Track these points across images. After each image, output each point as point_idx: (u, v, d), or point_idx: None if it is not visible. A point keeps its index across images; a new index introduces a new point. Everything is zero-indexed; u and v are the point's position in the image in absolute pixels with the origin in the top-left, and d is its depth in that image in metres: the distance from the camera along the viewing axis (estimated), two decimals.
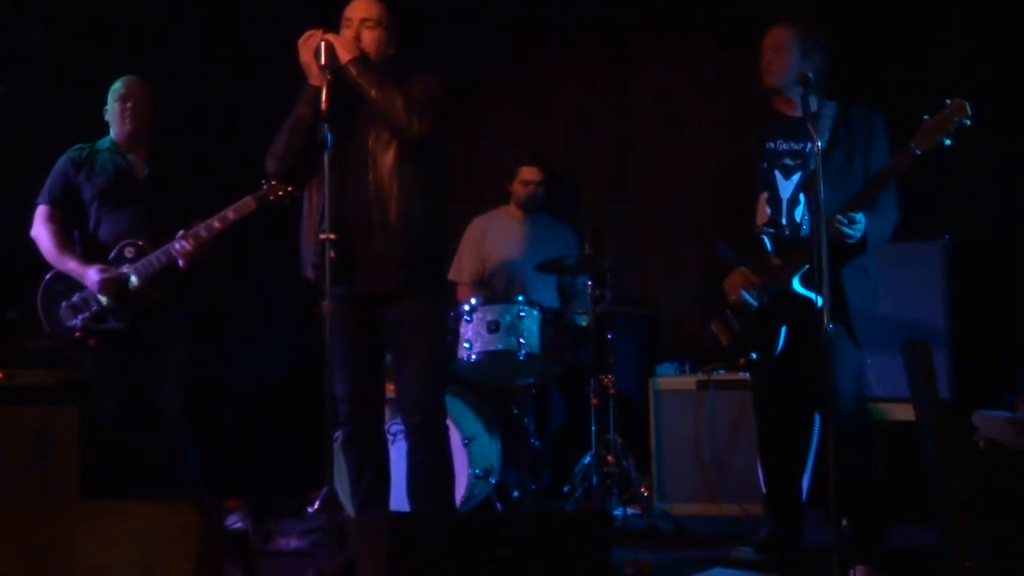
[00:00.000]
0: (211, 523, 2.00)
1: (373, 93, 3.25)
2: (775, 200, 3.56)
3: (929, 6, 4.76)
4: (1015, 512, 3.28)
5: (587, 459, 4.47)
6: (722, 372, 4.76)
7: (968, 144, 3.23)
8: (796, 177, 3.54)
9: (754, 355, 3.59)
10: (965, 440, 3.59)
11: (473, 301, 4.49)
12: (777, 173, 3.57)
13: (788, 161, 3.56)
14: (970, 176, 4.56)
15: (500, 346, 4.35)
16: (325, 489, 4.31)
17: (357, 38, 3.34)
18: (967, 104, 3.15)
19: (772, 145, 3.59)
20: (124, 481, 3.94)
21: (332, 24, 3.42)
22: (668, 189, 5.41)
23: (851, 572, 3.30)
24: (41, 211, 4.03)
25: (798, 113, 3.55)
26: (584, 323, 4.65)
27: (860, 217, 3.30)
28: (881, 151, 3.47)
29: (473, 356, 4.36)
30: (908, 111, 3.50)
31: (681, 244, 5.37)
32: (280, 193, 3.75)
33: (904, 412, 4.08)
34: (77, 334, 3.91)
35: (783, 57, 3.52)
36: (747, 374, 4.70)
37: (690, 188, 5.33)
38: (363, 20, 3.38)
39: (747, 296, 3.52)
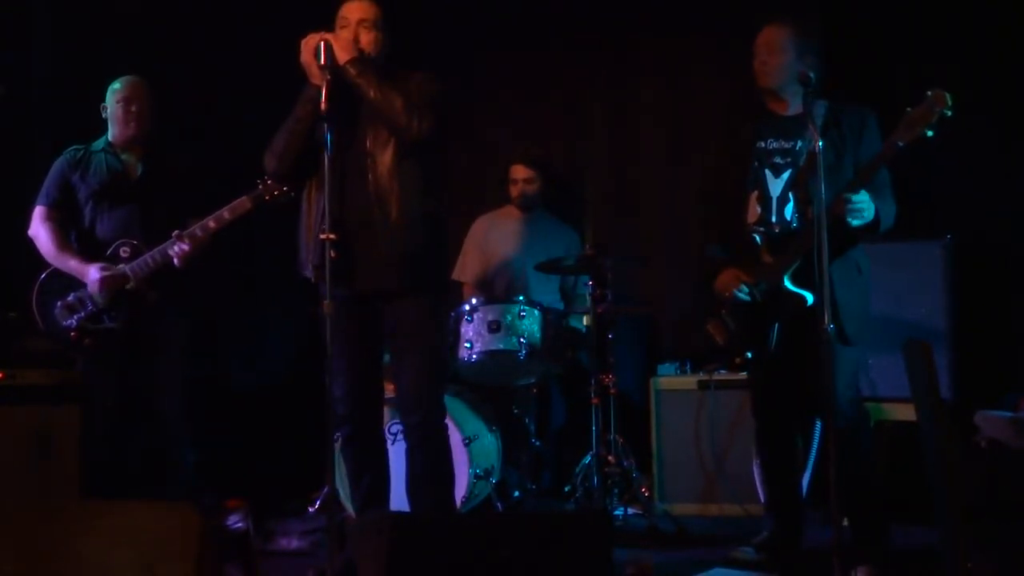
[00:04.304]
0: (211, 523, 2.00)
1: (372, 93, 3.25)
2: (765, 199, 3.56)
3: (929, 5, 4.76)
4: (1016, 512, 3.28)
5: (588, 459, 4.47)
6: (723, 372, 4.75)
7: (968, 144, 3.23)
8: (785, 175, 3.54)
9: (749, 354, 3.59)
10: (966, 440, 3.58)
11: (474, 301, 4.49)
12: (767, 172, 3.56)
13: (778, 160, 3.56)
14: (970, 176, 4.56)
15: (501, 346, 4.35)
16: (326, 489, 4.31)
17: (355, 39, 3.34)
18: (947, 95, 3.14)
19: (762, 144, 3.59)
20: (124, 481, 3.93)
21: (331, 24, 3.42)
22: (668, 189, 5.42)
23: (852, 573, 3.30)
24: (39, 211, 4.03)
25: (790, 112, 3.56)
26: (584, 323, 4.65)
27: (861, 196, 3.28)
28: (872, 148, 3.45)
29: (474, 356, 4.36)
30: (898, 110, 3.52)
31: (681, 244, 5.37)
32: (276, 193, 3.75)
33: (905, 412, 4.07)
34: (72, 334, 3.91)
35: (778, 57, 3.52)
36: (745, 374, 4.71)
37: (690, 188, 5.33)
38: (360, 21, 3.37)
39: (739, 293, 3.52)
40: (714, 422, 4.70)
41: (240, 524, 3.05)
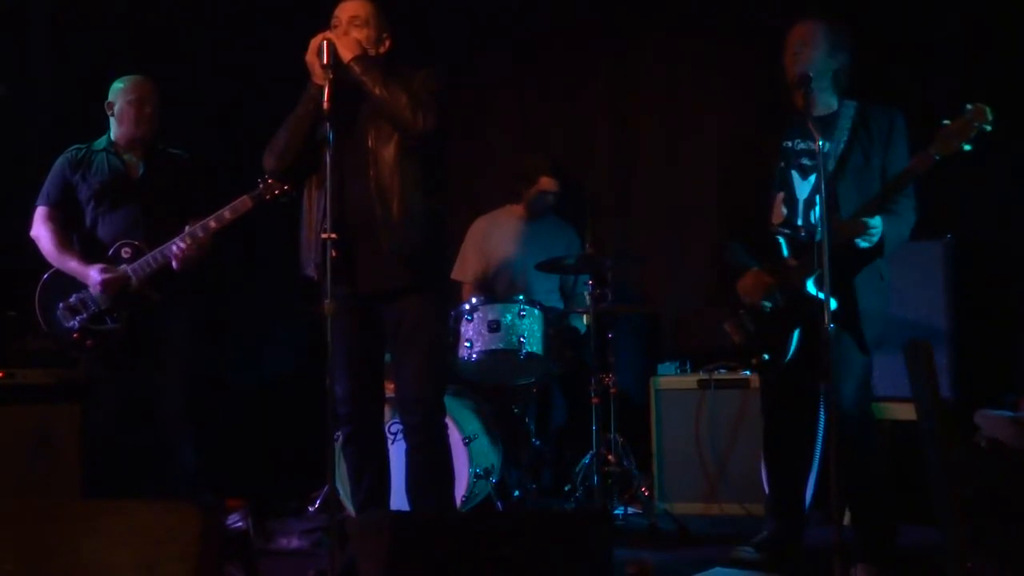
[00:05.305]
0: (211, 523, 1.99)
1: (377, 91, 3.24)
2: (791, 200, 3.51)
3: (930, 5, 4.75)
4: (1017, 512, 3.28)
5: (588, 458, 4.47)
6: (723, 371, 4.76)
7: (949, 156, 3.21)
8: (813, 178, 3.47)
9: (766, 356, 3.55)
10: (967, 439, 3.58)
11: (474, 300, 4.49)
12: (794, 173, 3.51)
13: (805, 161, 3.50)
14: (971, 176, 4.56)
15: (501, 345, 4.34)
16: (326, 488, 4.31)
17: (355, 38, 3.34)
18: (988, 109, 3.09)
19: (789, 144, 3.53)
20: (125, 481, 3.93)
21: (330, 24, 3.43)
22: (669, 189, 5.42)
23: (852, 571, 3.30)
24: (40, 212, 4.02)
25: (816, 112, 3.49)
26: (585, 323, 4.65)
27: (876, 222, 3.26)
28: (900, 151, 3.41)
29: (474, 355, 4.36)
30: (906, 110, 3.51)
31: (682, 244, 5.37)
32: (276, 192, 3.74)
33: (906, 412, 4.08)
34: (75, 335, 3.91)
35: (810, 51, 3.44)
36: (748, 373, 4.71)
37: (691, 188, 5.33)
38: (351, 19, 3.38)
39: (765, 303, 3.48)
40: (714, 422, 4.70)
41: (240, 524, 3.06)
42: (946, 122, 3.15)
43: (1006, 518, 3.12)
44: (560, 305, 5.02)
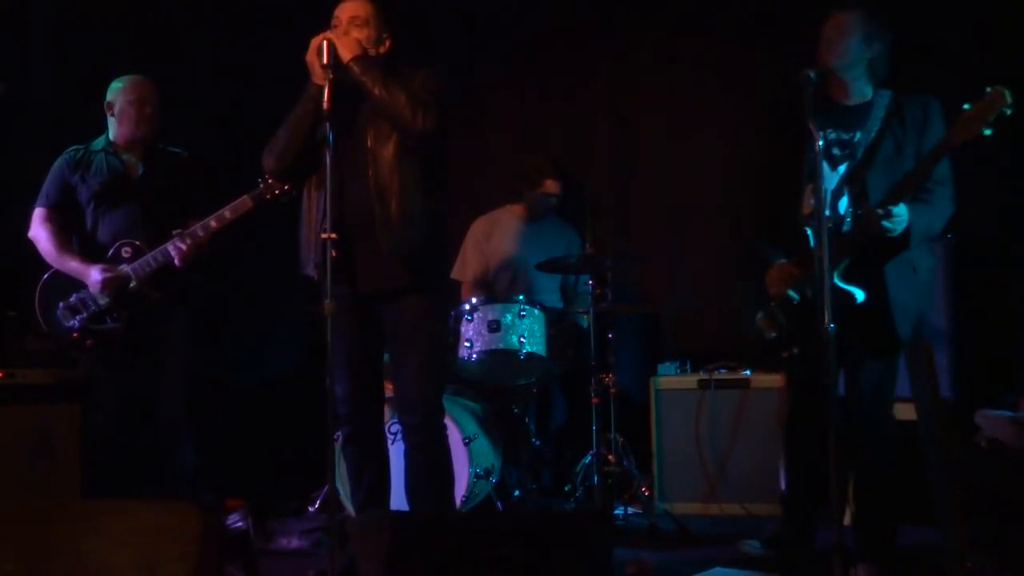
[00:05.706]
0: (211, 523, 1.99)
1: (377, 91, 3.24)
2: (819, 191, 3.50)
3: (930, 3, 4.75)
4: (1017, 512, 3.28)
5: (588, 458, 4.47)
6: (723, 371, 4.76)
7: (970, 143, 3.21)
8: (842, 168, 3.44)
9: (795, 349, 3.50)
10: (967, 439, 3.58)
11: (474, 300, 4.49)
12: (823, 163, 3.50)
13: (835, 151, 3.46)
14: (972, 176, 4.55)
15: (501, 345, 4.34)
16: (326, 488, 4.31)
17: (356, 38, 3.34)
18: (1006, 92, 3.07)
19: (820, 134, 3.53)
20: (125, 481, 3.93)
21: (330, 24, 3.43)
22: (669, 189, 5.42)
23: (852, 571, 3.29)
24: (39, 213, 4.02)
25: (851, 101, 3.48)
26: (585, 323, 4.65)
27: (900, 210, 3.22)
28: (935, 136, 3.37)
29: (474, 355, 4.36)
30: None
31: (682, 244, 5.37)
32: (277, 192, 3.75)
33: (906, 412, 4.07)
34: (75, 335, 3.91)
35: (845, 40, 3.43)
36: (748, 373, 4.71)
37: (691, 188, 5.34)
38: (351, 19, 3.38)
39: (791, 293, 3.47)
40: (714, 422, 4.70)
41: (240, 524, 3.05)
42: (966, 106, 3.12)
43: (1006, 518, 3.12)
44: (560, 305, 5.02)
